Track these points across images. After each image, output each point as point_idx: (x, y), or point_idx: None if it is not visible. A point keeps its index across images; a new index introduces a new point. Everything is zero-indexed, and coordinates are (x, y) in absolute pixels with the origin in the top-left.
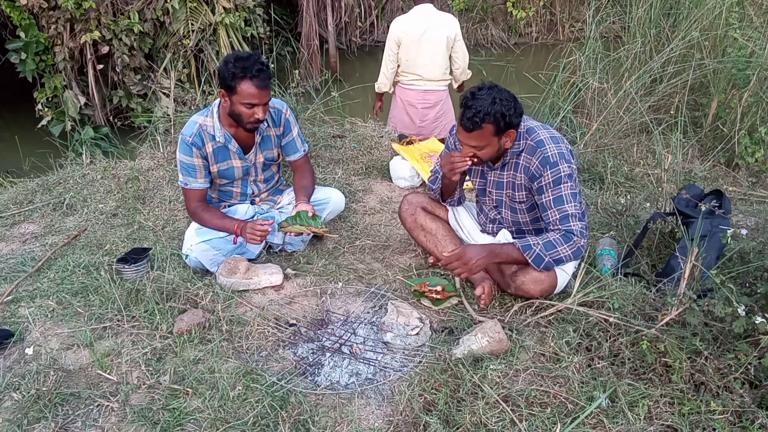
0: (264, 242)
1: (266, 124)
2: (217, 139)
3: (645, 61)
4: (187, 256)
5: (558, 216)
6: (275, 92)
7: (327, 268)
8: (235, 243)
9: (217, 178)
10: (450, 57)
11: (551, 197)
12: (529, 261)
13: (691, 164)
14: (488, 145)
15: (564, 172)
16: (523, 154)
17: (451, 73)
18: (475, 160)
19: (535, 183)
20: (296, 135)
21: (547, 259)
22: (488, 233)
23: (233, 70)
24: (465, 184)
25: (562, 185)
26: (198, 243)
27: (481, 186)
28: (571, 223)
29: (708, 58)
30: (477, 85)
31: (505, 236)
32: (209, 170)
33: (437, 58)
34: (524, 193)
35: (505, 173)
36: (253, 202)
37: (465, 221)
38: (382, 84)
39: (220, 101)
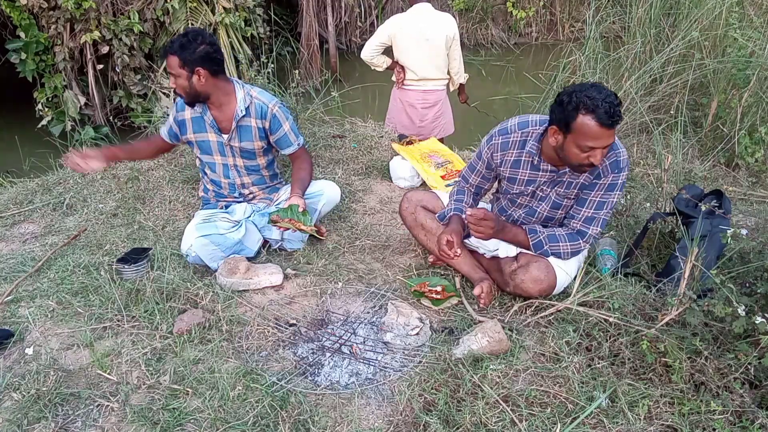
0: (261, 240)
1: (244, 113)
2: (195, 108)
3: (645, 61)
4: (187, 255)
5: (587, 215)
6: (274, 92)
7: (327, 268)
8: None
9: (197, 151)
10: (448, 57)
11: (598, 199)
12: (530, 244)
13: (691, 164)
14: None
15: (622, 180)
16: None
17: (447, 73)
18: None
19: (594, 179)
20: (288, 130)
21: (545, 248)
22: None
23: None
24: None
25: (613, 192)
26: (197, 237)
27: (531, 179)
28: (591, 228)
29: (708, 58)
30: (582, 83)
31: None
32: (176, 133)
33: (436, 58)
34: (577, 191)
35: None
36: (249, 201)
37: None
38: (372, 58)
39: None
